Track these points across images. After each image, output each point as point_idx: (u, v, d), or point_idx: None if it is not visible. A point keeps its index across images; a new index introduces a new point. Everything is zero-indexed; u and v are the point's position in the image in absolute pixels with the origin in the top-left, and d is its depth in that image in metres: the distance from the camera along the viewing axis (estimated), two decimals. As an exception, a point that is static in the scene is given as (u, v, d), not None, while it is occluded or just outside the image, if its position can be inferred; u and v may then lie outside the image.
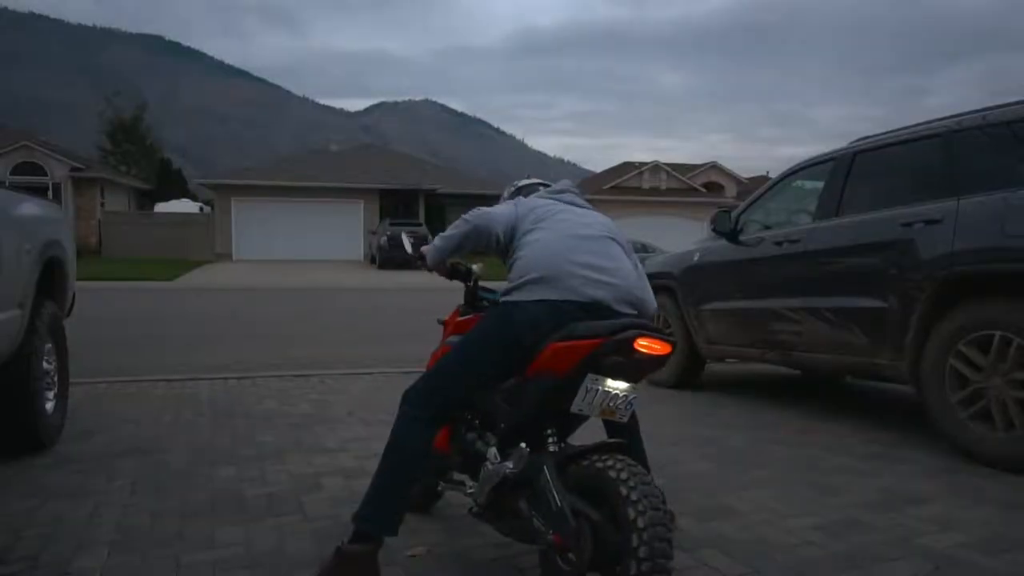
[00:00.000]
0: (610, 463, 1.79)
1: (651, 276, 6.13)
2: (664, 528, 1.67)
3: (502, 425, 2.12)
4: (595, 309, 2.05)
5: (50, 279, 3.78)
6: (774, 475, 3.24)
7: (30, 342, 3.39)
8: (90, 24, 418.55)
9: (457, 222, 2.41)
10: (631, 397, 1.98)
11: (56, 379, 3.84)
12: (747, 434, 4.00)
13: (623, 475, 1.74)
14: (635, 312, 2.16)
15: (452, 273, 2.58)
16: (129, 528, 2.58)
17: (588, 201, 2.53)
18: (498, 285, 2.41)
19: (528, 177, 2.81)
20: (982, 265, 3.40)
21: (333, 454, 3.55)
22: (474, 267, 2.63)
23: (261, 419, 4.30)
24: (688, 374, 5.36)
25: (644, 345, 1.88)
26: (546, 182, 2.68)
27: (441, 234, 2.46)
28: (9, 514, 2.70)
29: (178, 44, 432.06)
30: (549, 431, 2.03)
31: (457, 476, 2.41)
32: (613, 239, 2.30)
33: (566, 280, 2.07)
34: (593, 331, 1.91)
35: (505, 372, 2.12)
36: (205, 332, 9.19)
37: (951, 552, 2.38)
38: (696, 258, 5.29)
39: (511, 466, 1.98)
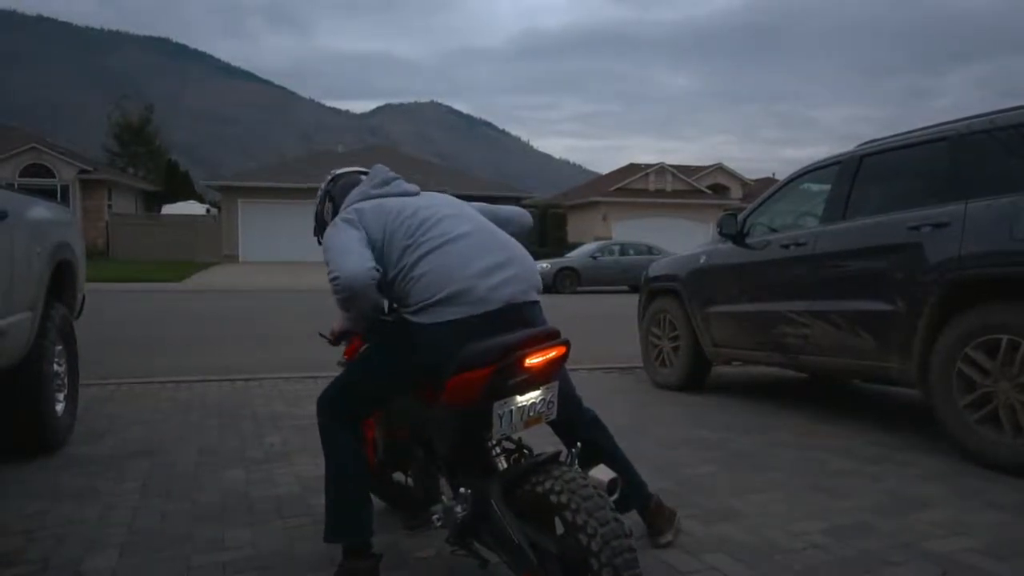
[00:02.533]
0: (548, 485, 1.71)
1: (657, 278, 6.16)
2: (620, 539, 1.60)
3: (442, 453, 2.07)
4: (506, 311, 1.98)
5: (60, 281, 3.81)
6: (780, 478, 3.24)
7: (40, 344, 3.41)
8: (97, 27, 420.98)
9: (337, 300, 2.04)
10: (549, 397, 1.93)
11: (66, 381, 3.87)
12: (753, 437, 4.00)
13: (563, 498, 1.66)
14: (537, 298, 2.11)
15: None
16: (139, 529, 2.60)
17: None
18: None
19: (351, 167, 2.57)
20: (990, 269, 3.39)
21: (340, 456, 3.56)
22: None
23: (269, 421, 4.32)
24: (694, 377, 5.36)
25: (535, 361, 1.82)
26: (364, 170, 2.46)
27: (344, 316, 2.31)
28: (20, 515, 2.72)
29: (184, 46, 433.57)
30: (491, 445, 1.94)
31: (427, 513, 2.37)
32: (482, 226, 2.18)
33: (473, 293, 1.96)
34: (482, 358, 1.82)
35: (414, 385, 2.10)
36: (212, 333, 9.22)
37: (958, 556, 2.38)
38: (702, 260, 5.29)
39: (459, 511, 1.90)
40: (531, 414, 1.91)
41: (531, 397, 1.89)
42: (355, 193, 2.30)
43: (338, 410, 2.13)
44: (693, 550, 2.42)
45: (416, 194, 2.32)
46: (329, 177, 2.51)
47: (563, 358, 1.91)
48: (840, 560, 2.36)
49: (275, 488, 3.08)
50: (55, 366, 3.65)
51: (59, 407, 3.67)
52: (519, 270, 2.07)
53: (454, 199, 2.33)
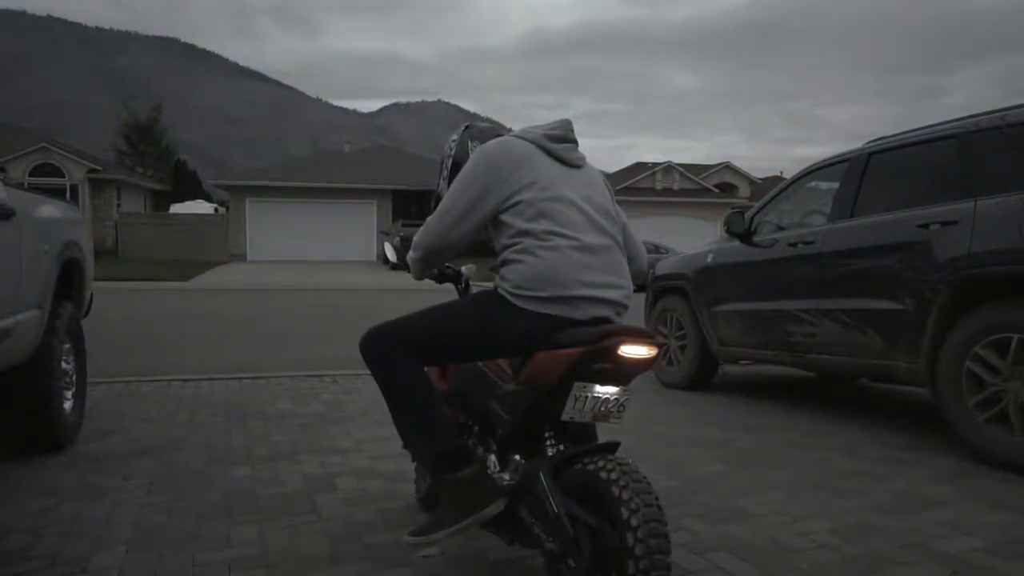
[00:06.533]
0: (601, 464, 1.78)
1: (664, 277, 6.13)
2: (658, 524, 1.67)
3: (500, 431, 2.11)
4: (597, 320, 2.00)
5: (68, 280, 3.83)
6: (787, 477, 3.23)
7: (48, 343, 3.43)
8: (107, 27, 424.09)
9: (415, 240, 2.14)
10: (623, 399, 1.96)
11: (74, 379, 3.89)
12: (760, 436, 3.99)
13: (614, 475, 1.73)
14: (626, 306, 2.11)
15: (441, 278, 2.55)
16: (145, 527, 2.60)
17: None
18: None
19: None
20: (999, 267, 3.37)
21: (347, 454, 3.57)
22: (463, 269, 2.59)
23: (275, 419, 4.33)
24: (701, 376, 5.34)
25: (628, 352, 1.86)
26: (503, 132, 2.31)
27: (413, 250, 2.19)
28: (28, 513, 2.73)
29: (193, 46, 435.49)
30: (547, 434, 2.02)
31: None
32: (616, 243, 2.13)
33: (574, 302, 1.97)
34: (577, 339, 1.89)
35: (479, 357, 2.10)
36: (219, 332, 9.26)
37: (967, 556, 2.36)
38: (709, 259, 5.28)
39: (507, 478, 1.98)
40: (602, 408, 1.94)
41: (608, 392, 1.93)
42: (529, 130, 2.21)
43: (395, 342, 2.02)
44: (699, 549, 2.41)
45: (565, 162, 2.14)
46: (463, 127, 2.36)
47: (652, 360, 1.92)
48: (847, 560, 2.34)
49: (281, 486, 3.08)
50: (63, 364, 3.67)
51: (67, 405, 3.69)
52: (620, 298, 2.06)
53: (604, 192, 2.20)
